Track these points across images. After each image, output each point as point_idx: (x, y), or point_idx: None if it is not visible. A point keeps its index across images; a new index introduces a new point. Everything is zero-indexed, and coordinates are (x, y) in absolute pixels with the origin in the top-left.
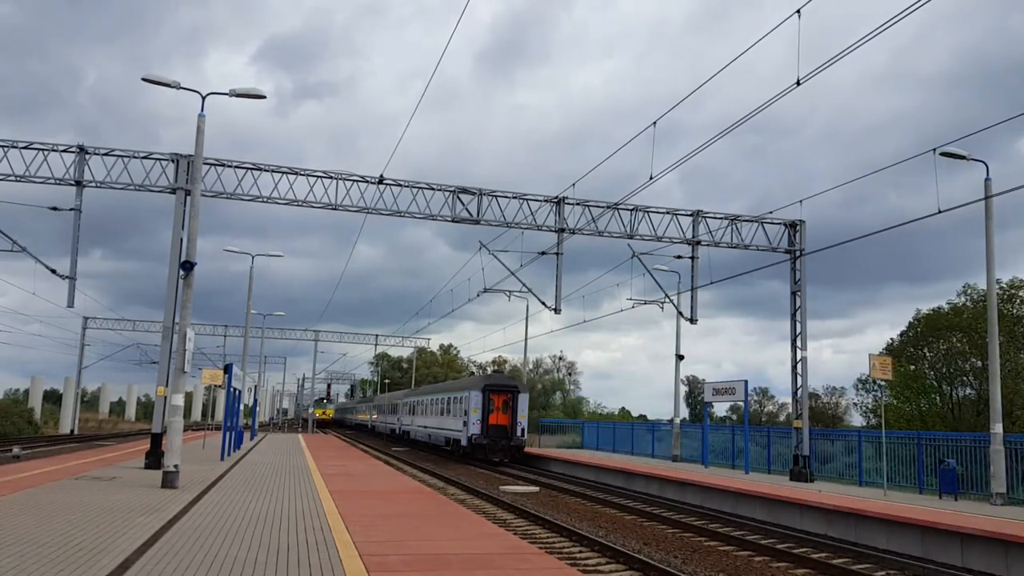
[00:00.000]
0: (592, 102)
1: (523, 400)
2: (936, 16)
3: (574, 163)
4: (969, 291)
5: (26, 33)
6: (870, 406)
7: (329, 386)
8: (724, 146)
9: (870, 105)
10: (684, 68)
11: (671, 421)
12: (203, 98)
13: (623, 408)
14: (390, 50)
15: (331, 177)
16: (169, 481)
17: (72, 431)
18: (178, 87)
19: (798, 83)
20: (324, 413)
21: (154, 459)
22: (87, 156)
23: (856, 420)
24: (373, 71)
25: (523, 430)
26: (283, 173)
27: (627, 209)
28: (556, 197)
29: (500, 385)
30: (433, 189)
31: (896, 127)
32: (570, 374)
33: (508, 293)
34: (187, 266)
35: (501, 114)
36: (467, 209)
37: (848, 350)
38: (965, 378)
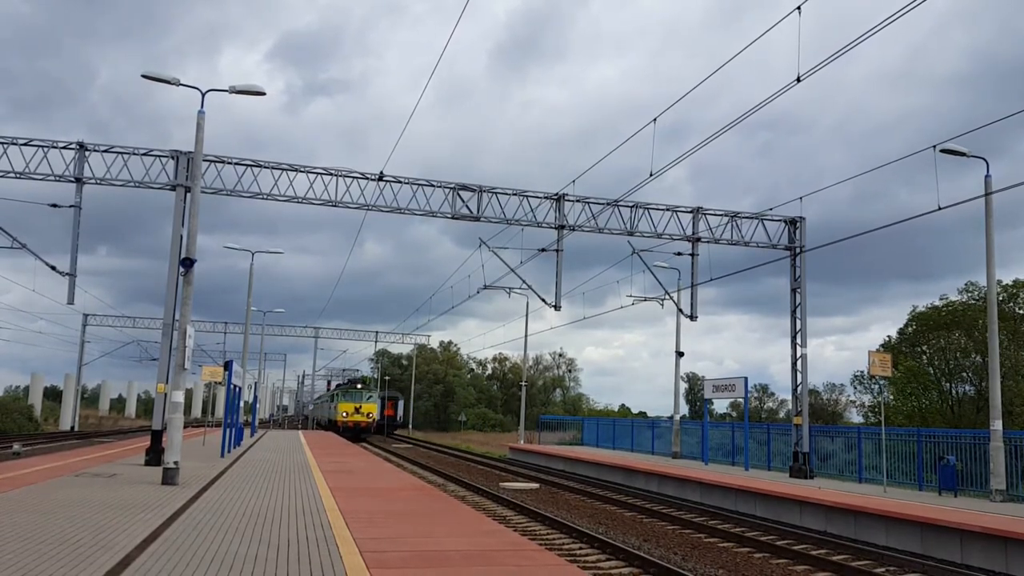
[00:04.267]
0: (607, 100)
1: (401, 403)
2: (949, 16)
3: (587, 161)
4: (971, 288)
5: (40, 32)
6: (867, 404)
7: (329, 383)
8: (736, 144)
9: (883, 103)
10: (700, 66)
11: (671, 418)
12: (203, 95)
13: (623, 405)
14: (405, 48)
15: (331, 174)
16: (169, 478)
17: (72, 428)
18: (177, 83)
19: (798, 79)
20: (358, 410)
21: (154, 456)
22: (87, 153)
23: (856, 417)
24: (387, 69)
25: (400, 416)
26: (283, 170)
27: (627, 206)
28: (556, 194)
29: (391, 396)
30: (433, 186)
31: (909, 126)
32: (570, 371)
33: (508, 290)
34: (187, 263)
35: (515, 111)
36: (467, 206)
37: (851, 347)
38: (965, 375)
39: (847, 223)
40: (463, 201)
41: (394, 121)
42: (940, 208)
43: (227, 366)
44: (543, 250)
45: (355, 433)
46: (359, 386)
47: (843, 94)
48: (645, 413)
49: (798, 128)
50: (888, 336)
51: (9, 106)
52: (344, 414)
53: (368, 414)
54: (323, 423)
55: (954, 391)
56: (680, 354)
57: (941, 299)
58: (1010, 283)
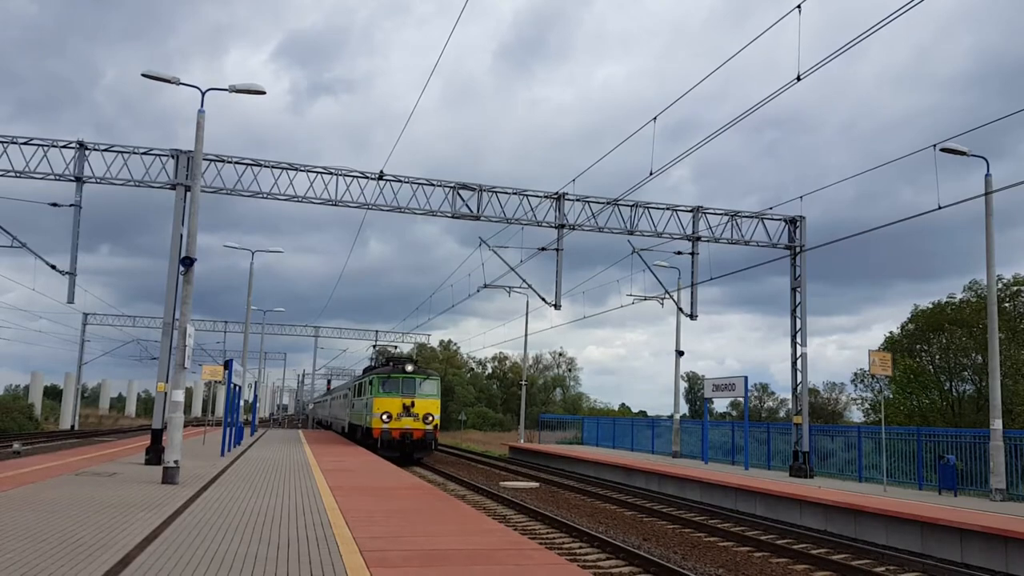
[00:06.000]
0: (612, 100)
1: None
2: (956, 16)
3: (591, 160)
4: (975, 287)
5: (47, 32)
6: (869, 403)
7: (329, 382)
8: (743, 143)
9: (890, 103)
10: (706, 66)
11: (671, 417)
12: (203, 94)
13: (623, 404)
14: (411, 48)
15: (331, 173)
16: (169, 477)
17: (72, 427)
18: (178, 83)
19: (799, 78)
20: (409, 410)
21: (154, 455)
22: (87, 152)
23: (856, 416)
24: (392, 69)
25: None
26: (283, 169)
27: (627, 205)
28: (556, 193)
29: None
30: (433, 185)
31: (915, 125)
32: (570, 370)
33: (508, 289)
34: (187, 262)
35: (520, 110)
36: (467, 205)
37: (853, 346)
38: (965, 374)
39: (851, 223)
40: (463, 200)
41: (399, 121)
42: (940, 207)
43: (227, 365)
44: (543, 249)
45: (403, 450)
46: (410, 368)
47: (850, 94)
48: (645, 412)
49: (805, 128)
50: (890, 331)
51: (16, 106)
52: (384, 417)
53: (427, 417)
54: (338, 428)
55: (954, 390)
56: (680, 353)
57: (949, 297)
58: (1010, 279)
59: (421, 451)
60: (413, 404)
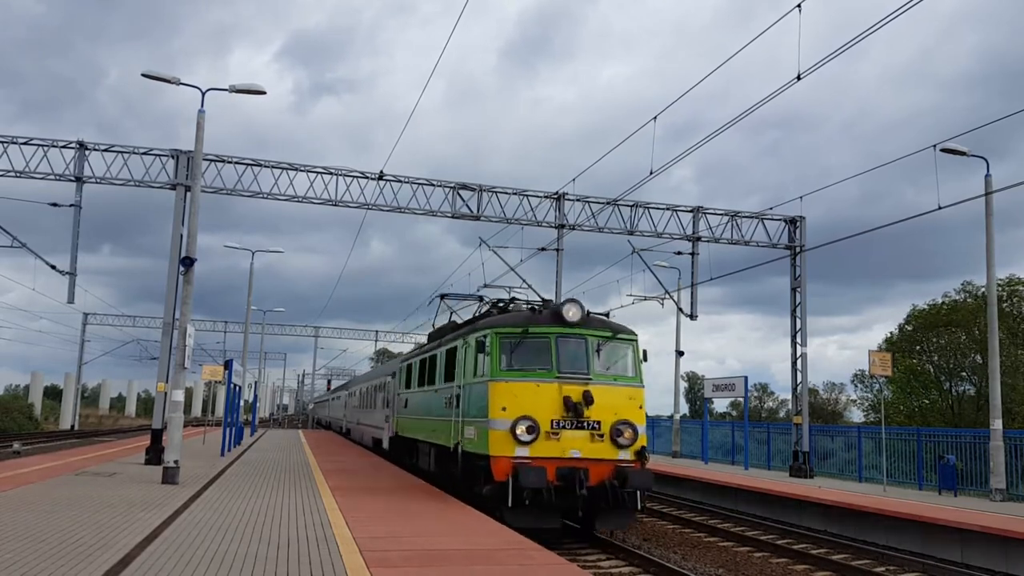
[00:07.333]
0: (615, 99)
1: None
2: (959, 16)
3: (593, 160)
4: (969, 287)
5: (52, 32)
6: (869, 403)
7: (329, 382)
8: (745, 143)
9: (892, 103)
10: (709, 67)
11: (671, 417)
12: (203, 94)
13: None
14: (414, 48)
15: (331, 173)
16: (169, 477)
17: (72, 427)
18: (178, 83)
19: (799, 77)
20: (582, 413)
21: (154, 455)
22: (87, 152)
23: (856, 416)
24: (396, 69)
25: None
26: (283, 169)
27: (627, 205)
28: (556, 193)
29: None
30: (433, 185)
31: (918, 125)
32: None
33: (508, 289)
34: (187, 262)
35: (523, 110)
36: (467, 205)
37: (853, 346)
38: (965, 374)
39: (854, 222)
40: (463, 200)
41: (400, 121)
42: (940, 207)
43: (227, 365)
44: (543, 249)
45: (570, 509)
46: (573, 314)
47: (851, 94)
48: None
49: (806, 127)
50: (891, 332)
51: (18, 105)
52: (520, 429)
53: (620, 431)
54: (364, 439)
55: (954, 390)
56: (680, 353)
57: (944, 297)
58: (1005, 279)
59: (614, 515)
60: (590, 398)
